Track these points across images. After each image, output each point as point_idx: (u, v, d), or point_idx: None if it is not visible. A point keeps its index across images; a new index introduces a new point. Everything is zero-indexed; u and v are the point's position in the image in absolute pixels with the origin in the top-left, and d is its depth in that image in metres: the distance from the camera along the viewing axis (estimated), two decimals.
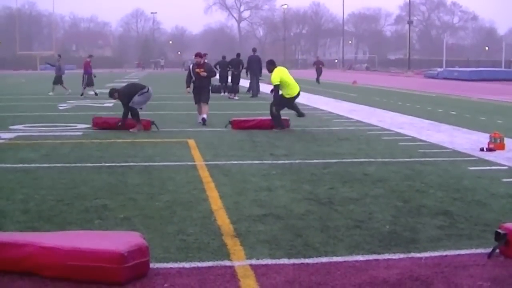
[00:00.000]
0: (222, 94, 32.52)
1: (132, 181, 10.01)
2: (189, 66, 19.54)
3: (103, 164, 11.68)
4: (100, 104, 26.85)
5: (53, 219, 7.66)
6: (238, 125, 17.67)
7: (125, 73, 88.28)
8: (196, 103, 19.30)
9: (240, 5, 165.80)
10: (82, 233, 6.46)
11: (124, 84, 19.22)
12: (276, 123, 17.37)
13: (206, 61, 19.97)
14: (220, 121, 19.09)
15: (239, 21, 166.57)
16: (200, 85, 19.01)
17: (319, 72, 52.92)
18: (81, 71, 34.32)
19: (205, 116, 18.82)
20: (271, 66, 17.97)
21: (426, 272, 5.80)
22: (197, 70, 18.84)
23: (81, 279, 5.43)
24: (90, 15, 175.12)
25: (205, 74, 18.80)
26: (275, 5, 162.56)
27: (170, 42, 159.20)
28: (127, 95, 16.97)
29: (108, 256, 5.42)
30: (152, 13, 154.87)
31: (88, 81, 33.37)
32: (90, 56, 35.99)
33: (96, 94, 32.65)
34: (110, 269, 5.38)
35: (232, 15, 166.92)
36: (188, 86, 19.35)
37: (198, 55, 19.32)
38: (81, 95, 32.36)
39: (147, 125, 17.12)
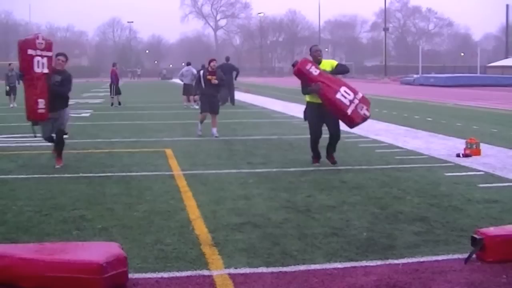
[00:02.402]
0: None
1: (109, 191, 9.99)
2: (199, 73, 18.60)
3: (80, 174, 11.64)
4: (77, 114, 26.73)
5: (31, 230, 7.63)
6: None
7: (102, 82, 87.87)
8: (202, 112, 18.29)
9: (217, 14, 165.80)
10: (60, 244, 6.46)
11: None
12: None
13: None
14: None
15: (215, 29, 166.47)
16: (210, 93, 18.04)
17: None
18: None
19: (215, 130, 17.87)
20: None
21: (404, 278, 5.84)
22: (209, 77, 17.92)
23: None
24: (66, 24, 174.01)
25: (216, 81, 17.93)
26: (251, 13, 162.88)
27: (147, 51, 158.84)
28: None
29: (86, 267, 5.42)
30: (128, 22, 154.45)
31: (118, 90, 33.09)
32: (115, 64, 35.57)
33: (118, 103, 32.57)
34: (89, 280, 5.37)
35: (209, 24, 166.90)
36: (196, 94, 18.57)
37: (214, 60, 18.35)
38: (112, 105, 32.39)
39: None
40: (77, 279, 5.38)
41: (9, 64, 35.53)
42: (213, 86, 17.95)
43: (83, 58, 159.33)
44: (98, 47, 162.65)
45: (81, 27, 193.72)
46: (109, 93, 33.83)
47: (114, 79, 33.22)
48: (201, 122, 18.16)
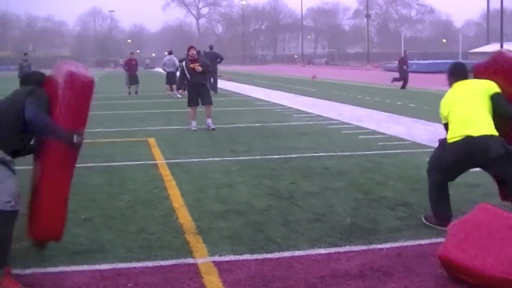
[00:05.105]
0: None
1: (92, 182, 9.95)
2: (182, 64, 17.09)
3: None
4: None
5: None
6: None
7: None
8: (190, 105, 16.88)
9: (199, 2, 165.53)
10: None
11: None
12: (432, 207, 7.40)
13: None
14: (179, 118, 19.05)
15: (197, 18, 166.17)
16: (197, 82, 16.67)
17: (405, 74, 35.41)
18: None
19: (210, 121, 16.74)
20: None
21: (387, 263, 5.87)
22: (191, 65, 16.58)
23: None
24: (46, 14, 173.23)
25: (200, 68, 16.47)
26: (233, 1, 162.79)
27: (129, 40, 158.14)
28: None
29: None
30: (109, 11, 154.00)
31: (131, 80, 32.91)
32: (132, 53, 35.24)
33: (135, 93, 32.40)
34: None
35: (191, 12, 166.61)
36: (181, 87, 17.28)
37: (192, 47, 16.84)
38: (129, 94, 32.50)
39: None
40: None
41: (25, 54, 34.31)
42: (198, 74, 16.62)
43: (64, 48, 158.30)
44: (79, 37, 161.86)
45: (61, 17, 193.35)
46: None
47: (128, 68, 33.03)
48: (193, 118, 16.73)
